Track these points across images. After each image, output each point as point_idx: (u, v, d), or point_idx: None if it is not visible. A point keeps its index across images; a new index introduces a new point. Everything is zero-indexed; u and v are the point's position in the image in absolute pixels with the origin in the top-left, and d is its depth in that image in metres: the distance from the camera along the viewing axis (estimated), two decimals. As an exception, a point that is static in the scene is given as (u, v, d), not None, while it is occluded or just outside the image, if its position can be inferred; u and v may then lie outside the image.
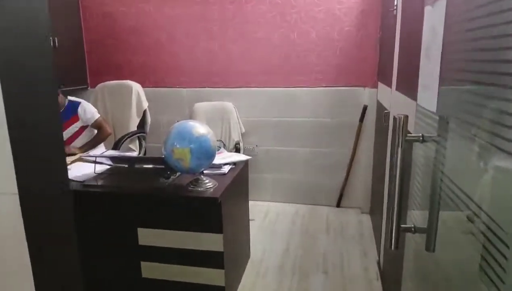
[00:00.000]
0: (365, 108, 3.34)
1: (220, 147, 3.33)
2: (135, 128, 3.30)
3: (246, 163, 2.48)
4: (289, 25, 3.37)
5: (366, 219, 3.33)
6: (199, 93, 3.66)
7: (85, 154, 2.61)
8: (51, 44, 3.30)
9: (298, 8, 3.32)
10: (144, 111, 3.39)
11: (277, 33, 3.40)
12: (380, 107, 2.96)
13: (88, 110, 2.87)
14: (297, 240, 2.96)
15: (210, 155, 1.92)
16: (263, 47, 3.46)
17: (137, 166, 2.36)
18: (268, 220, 3.34)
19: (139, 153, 3.30)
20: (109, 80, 3.53)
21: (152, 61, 3.70)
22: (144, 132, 3.40)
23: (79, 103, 2.87)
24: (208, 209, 1.93)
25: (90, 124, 2.90)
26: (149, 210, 2.04)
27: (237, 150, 3.29)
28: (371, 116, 3.32)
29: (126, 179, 2.20)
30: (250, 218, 2.69)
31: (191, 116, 3.53)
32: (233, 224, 2.21)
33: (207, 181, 2.02)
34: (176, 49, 3.63)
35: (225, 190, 1.97)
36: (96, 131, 2.93)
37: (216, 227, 1.93)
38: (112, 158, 2.31)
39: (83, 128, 2.90)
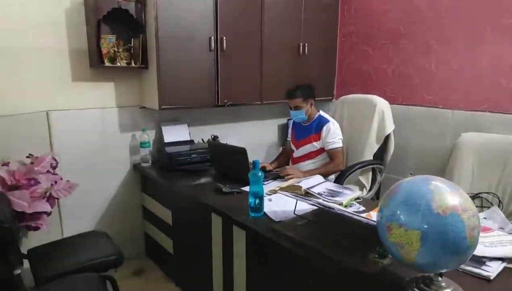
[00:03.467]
0: None
1: (490, 205, 2.15)
2: (371, 157, 2.56)
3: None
4: None
5: None
6: (474, 119, 2.53)
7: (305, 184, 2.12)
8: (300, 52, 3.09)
9: None
10: (387, 137, 2.61)
11: None
12: None
13: (332, 133, 2.42)
14: None
15: (459, 250, 1.00)
16: None
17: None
18: None
19: (370, 189, 2.56)
20: (356, 92, 2.96)
21: (412, 71, 2.86)
22: (381, 164, 2.61)
23: (327, 121, 2.46)
24: None
25: (326, 149, 2.44)
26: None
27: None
28: None
29: (326, 235, 1.56)
30: None
31: (453, 150, 2.44)
32: None
33: (448, 289, 1.10)
34: (448, 55, 2.64)
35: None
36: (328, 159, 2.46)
37: None
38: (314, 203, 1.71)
39: (322, 150, 2.47)
